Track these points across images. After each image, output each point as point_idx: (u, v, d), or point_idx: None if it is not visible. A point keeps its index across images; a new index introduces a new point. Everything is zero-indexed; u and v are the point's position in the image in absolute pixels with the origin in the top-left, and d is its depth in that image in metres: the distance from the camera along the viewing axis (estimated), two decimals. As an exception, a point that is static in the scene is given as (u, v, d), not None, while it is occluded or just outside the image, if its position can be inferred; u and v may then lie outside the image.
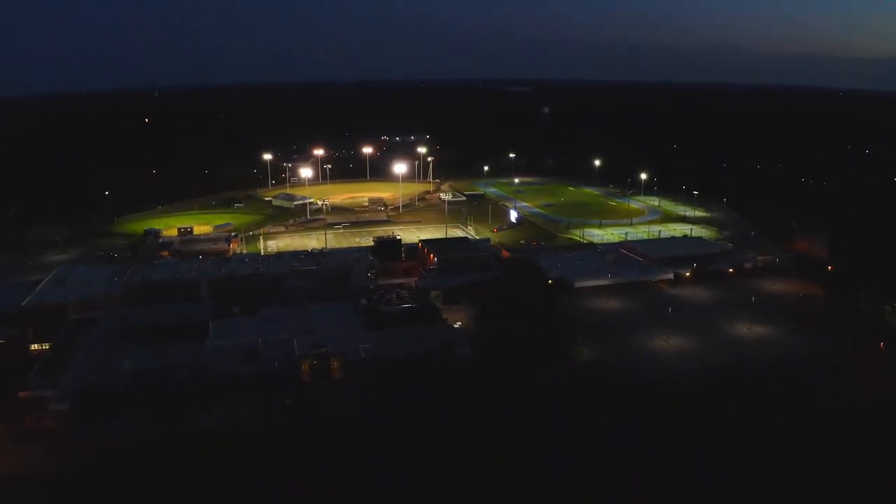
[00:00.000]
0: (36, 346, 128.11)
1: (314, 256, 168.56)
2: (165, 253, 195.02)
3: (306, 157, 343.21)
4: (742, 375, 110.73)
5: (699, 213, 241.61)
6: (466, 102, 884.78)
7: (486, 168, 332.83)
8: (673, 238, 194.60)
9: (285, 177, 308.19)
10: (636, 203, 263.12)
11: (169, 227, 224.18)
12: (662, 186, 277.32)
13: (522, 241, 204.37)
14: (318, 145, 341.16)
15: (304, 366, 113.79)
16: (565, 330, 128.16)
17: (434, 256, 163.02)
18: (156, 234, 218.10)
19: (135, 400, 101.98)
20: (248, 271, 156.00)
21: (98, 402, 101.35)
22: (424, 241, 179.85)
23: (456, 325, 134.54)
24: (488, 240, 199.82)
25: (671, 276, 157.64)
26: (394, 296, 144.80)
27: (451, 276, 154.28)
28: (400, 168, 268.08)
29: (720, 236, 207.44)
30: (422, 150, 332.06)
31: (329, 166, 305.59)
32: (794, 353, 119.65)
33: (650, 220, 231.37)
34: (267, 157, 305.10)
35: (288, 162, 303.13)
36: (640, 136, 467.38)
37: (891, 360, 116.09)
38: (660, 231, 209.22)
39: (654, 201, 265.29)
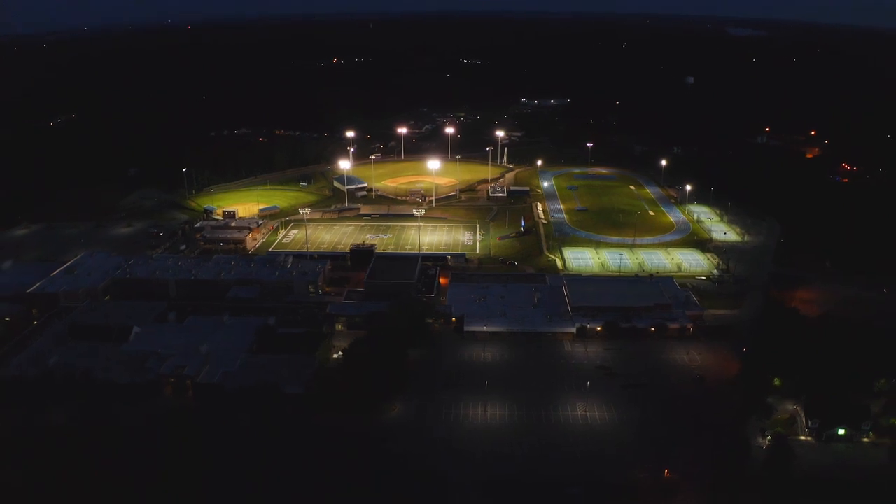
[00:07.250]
0: (37, 322, 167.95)
1: (277, 264, 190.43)
2: (198, 236, 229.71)
3: (395, 135, 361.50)
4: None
5: (728, 238, 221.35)
6: (661, 51, 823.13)
7: (539, 162, 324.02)
8: (633, 279, 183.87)
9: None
10: (674, 215, 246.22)
11: (224, 207, 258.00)
12: (727, 194, 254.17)
13: (501, 258, 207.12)
14: (402, 123, 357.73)
15: (168, 382, 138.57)
16: (405, 378, 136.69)
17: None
18: (209, 212, 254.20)
19: (31, 392, 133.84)
20: (207, 276, 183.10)
21: (10, 391, 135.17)
22: (377, 256, 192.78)
23: (337, 355, 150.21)
24: (464, 255, 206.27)
25: (574, 329, 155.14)
26: (300, 317, 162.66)
27: (364, 303, 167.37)
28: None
29: (713, 273, 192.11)
30: (500, 133, 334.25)
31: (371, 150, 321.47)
32: (593, 457, 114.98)
33: (659, 243, 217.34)
34: (350, 133, 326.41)
35: (351, 145, 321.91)
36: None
37: (662, 494, 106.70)
38: (641, 265, 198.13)
39: (697, 213, 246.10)
